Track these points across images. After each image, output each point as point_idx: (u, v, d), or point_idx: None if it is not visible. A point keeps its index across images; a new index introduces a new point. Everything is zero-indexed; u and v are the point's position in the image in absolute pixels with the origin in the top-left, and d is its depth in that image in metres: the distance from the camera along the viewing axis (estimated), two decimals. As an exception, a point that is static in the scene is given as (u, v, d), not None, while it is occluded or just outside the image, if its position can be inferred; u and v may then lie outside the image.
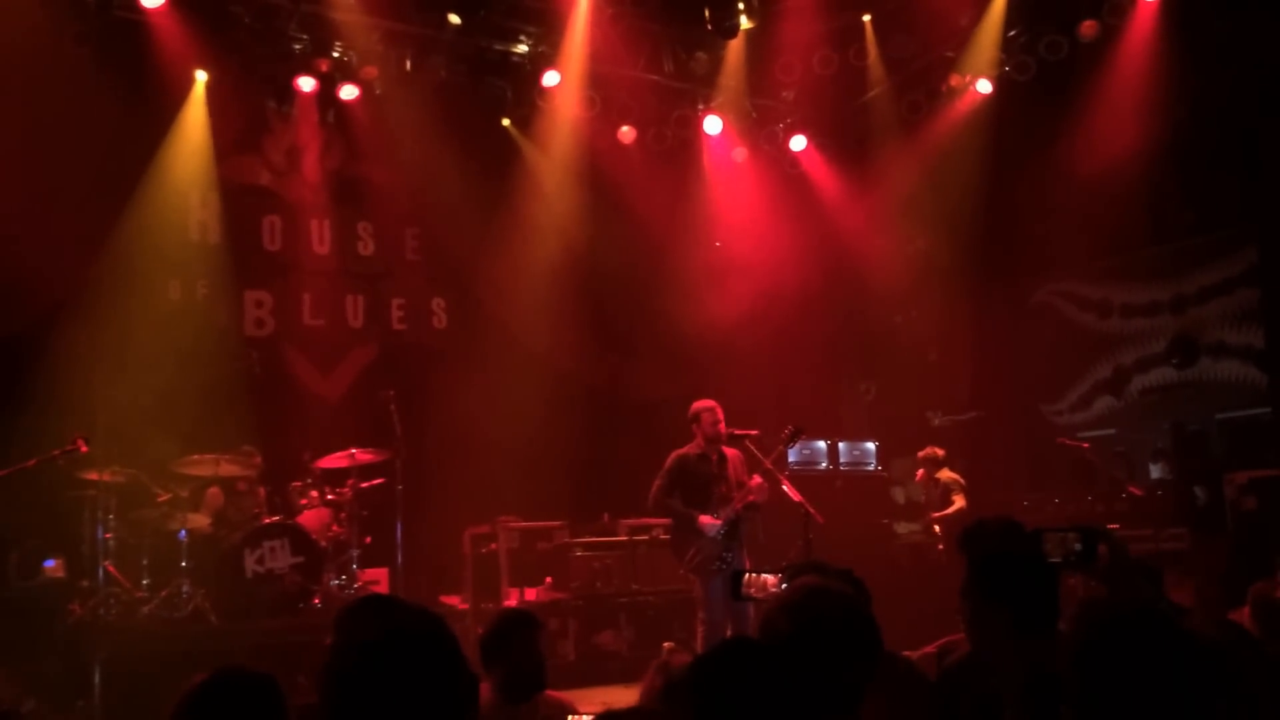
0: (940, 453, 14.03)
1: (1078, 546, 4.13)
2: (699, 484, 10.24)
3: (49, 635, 10.50)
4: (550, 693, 5.93)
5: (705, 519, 10.03)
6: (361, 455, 12.32)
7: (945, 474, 13.74)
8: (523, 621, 5.91)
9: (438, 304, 15.53)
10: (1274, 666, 4.90)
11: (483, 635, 5.91)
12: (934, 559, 13.24)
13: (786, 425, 10.25)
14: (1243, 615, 6.92)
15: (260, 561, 11.52)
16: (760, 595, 4.56)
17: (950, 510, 13.37)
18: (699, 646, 9.63)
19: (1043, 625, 4.01)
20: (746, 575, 4.65)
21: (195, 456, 11.73)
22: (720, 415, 10.35)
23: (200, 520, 11.90)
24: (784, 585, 4.33)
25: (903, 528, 14.55)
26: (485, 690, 5.65)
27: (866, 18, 14.26)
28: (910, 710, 4.27)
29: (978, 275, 15.39)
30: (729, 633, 9.44)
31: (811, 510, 9.86)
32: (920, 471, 14.06)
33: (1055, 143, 13.88)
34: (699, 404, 10.47)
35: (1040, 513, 12.27)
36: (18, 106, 11.81)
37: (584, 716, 5.61)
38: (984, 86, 14.49)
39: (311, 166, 14.91)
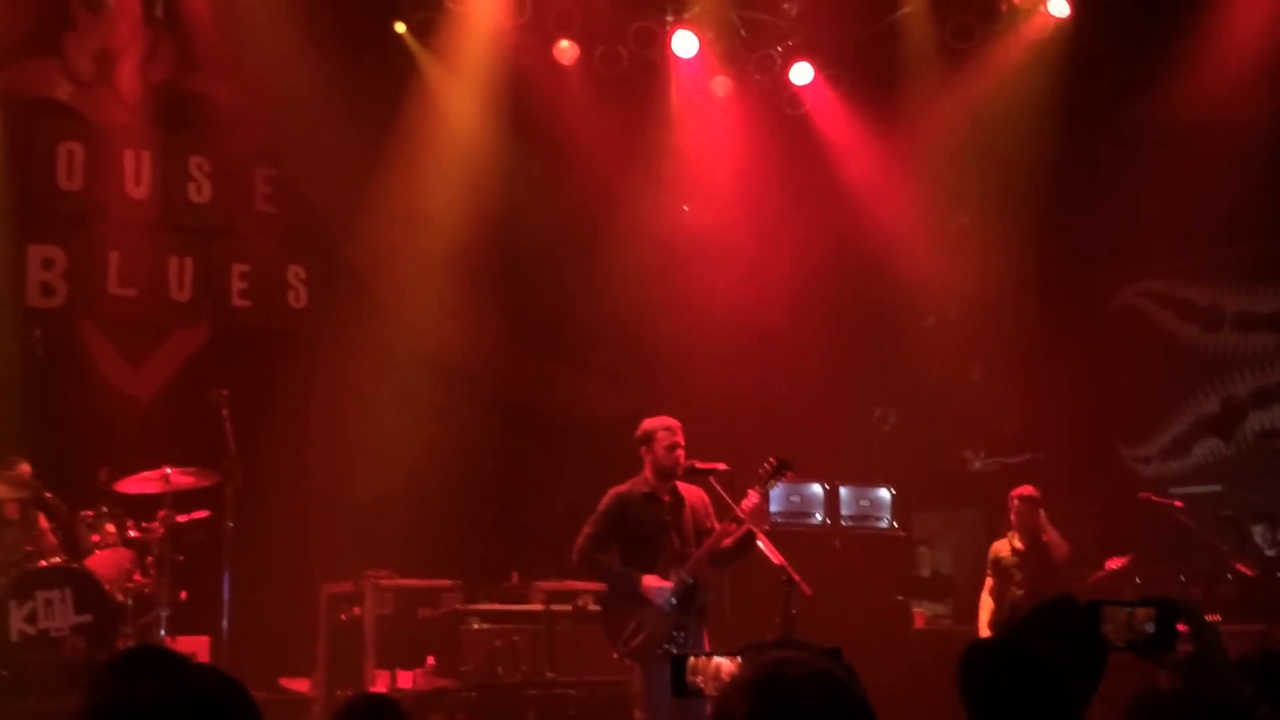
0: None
1: (1150, 627, 4.09)
2: (645, 534, 10.15)
3: None
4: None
5: (651, 581, 9.93)
6: (179, 478, 12.21)
7: (1055, 534, 12.68)
8: (380, 712, 5.83)
9: (295, 274, 15.54)
10: None
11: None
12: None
13: (768, 458, 10.15)
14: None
15: (31, 619, 11.44)
16: (712, 690, 4.51)
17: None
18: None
19: None
20: (692, 660, 4.58)
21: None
22: (681, 440, 10.27)
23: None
24: (744, 672, 4.29)
25: (926, 609, 14.51)
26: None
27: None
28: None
29: (1040, 266, 15.41)
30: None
31: (796, 577, 9.78)
32: (1015, 513, 12.66)
33: (1153, 87, 13.93)
34: (653, 421, 10.37)
35: (1116, 595, 12.18)
36: None
37: None
38: (1059, 7, 14.53)
39: (129, 77, 14.88)
